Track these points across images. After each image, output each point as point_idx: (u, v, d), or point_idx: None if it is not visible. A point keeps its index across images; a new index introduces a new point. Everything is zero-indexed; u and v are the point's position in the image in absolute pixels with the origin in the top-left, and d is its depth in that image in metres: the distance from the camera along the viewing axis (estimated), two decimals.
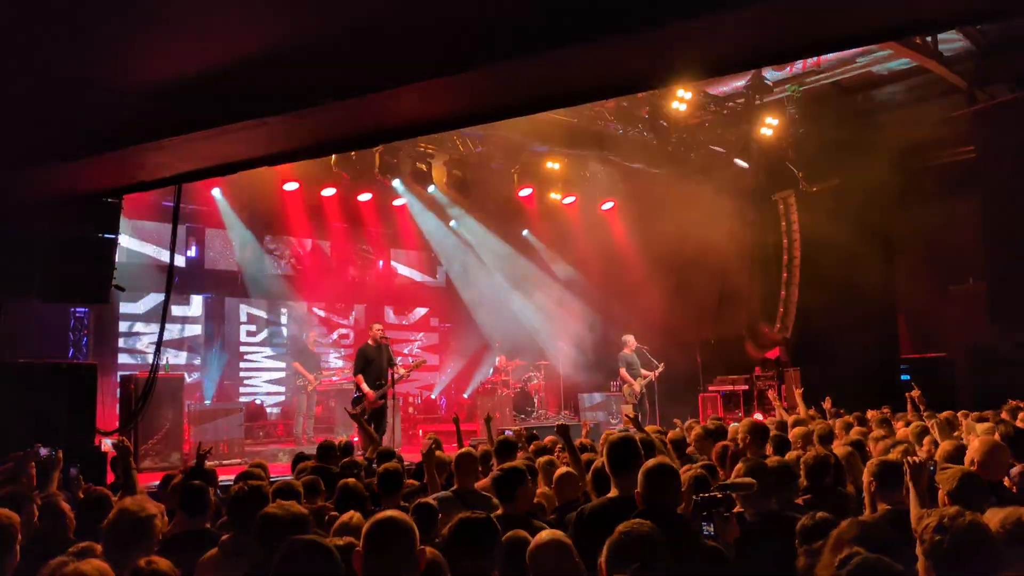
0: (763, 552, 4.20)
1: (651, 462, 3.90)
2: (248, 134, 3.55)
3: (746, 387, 15.57)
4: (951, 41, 12.87)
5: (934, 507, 3.85)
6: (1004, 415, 8.77)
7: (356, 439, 11.27)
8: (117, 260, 8.64)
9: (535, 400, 16.08)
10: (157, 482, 7.47)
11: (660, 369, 14.41)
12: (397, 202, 16.33)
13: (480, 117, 3.66)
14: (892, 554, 2.57)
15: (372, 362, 11.87)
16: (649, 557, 2.92)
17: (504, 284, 17.80)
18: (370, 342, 12.11)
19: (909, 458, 4.19)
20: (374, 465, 6.96)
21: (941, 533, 2.59)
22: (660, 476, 3.81)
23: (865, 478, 4.65)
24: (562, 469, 5.65)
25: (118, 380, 12.06)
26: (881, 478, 4.48)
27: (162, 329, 7.13)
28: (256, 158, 4.20)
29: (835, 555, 2.93)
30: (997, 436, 5.31)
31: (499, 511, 4.62)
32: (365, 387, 11.67)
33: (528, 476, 4.85)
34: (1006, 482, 4.83)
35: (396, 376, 11.78)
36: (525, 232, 18.09)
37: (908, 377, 14.80)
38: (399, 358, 13.66)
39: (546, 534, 3.33)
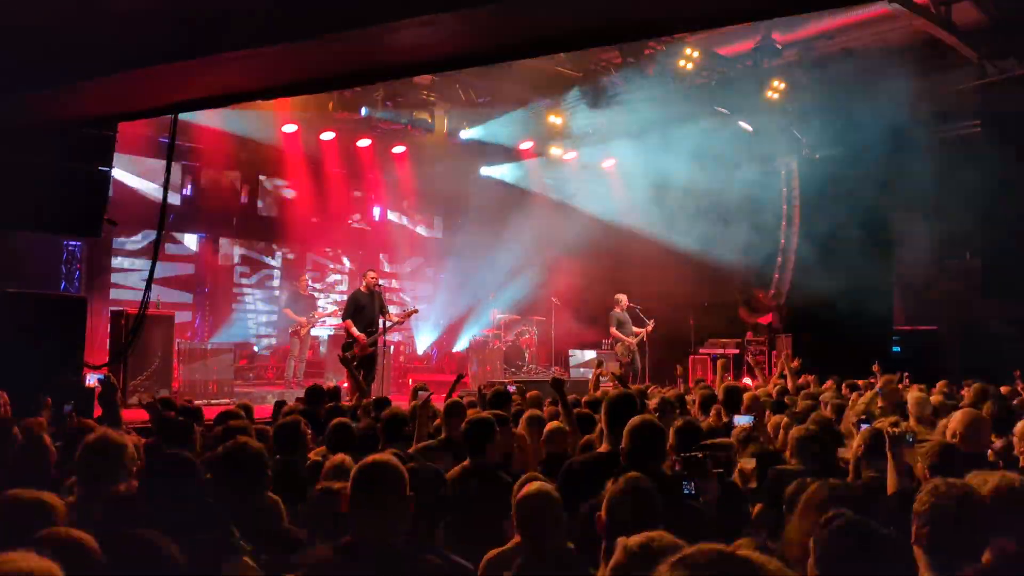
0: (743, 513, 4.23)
1: (636, 419, 3.89)
2: (242, 64, 3.46)
3: (737, 351, 15.61)
4: (964, 12, 12.66)
5: (910, 478, 3.86)
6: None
7: (346, 385, 11.29)
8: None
9: (526, 355, 16.12)
10: (143, 419, 7.48)
11: (651, 326, 14.42)
12: (396, 149, 16.20)
13: (482, 57, 3.57)
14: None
15: (364, 309, 11.83)
16: (648, 515, 2.93)
17: (501, 237, 17.73)
18: (363, 288, 12.06)
19: (889, 428, 4.18)
20: (358, 412, 6.98)
21: (938, 499, 2.60)
22: (644, 433, 3.79)
23: (855, 443, 4.66)
24: (552, 423, 5.65)
25: (109, 315, 12.03)
26: (871, 445, 4.48)
27: (153, 265, 7.07)
28: (251, 90, 4.10)
29: (804, 518, 2.93)
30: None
31: (466, 463, 4.62)
32: (355, 331, 11.63)
33: (497, 428, 4.84)
34: (989, 455, 4.84)
35: (387, 324, 11.75)
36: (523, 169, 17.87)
37: (899, 348, 14.88)
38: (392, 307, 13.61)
39: (535, 485, 3.37)
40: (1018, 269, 13.98)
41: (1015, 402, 7.46)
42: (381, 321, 11.68)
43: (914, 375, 10.36)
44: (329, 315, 15.19)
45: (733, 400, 6.71)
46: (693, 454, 3.82)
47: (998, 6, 12.62)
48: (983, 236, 14.53)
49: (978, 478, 2.91)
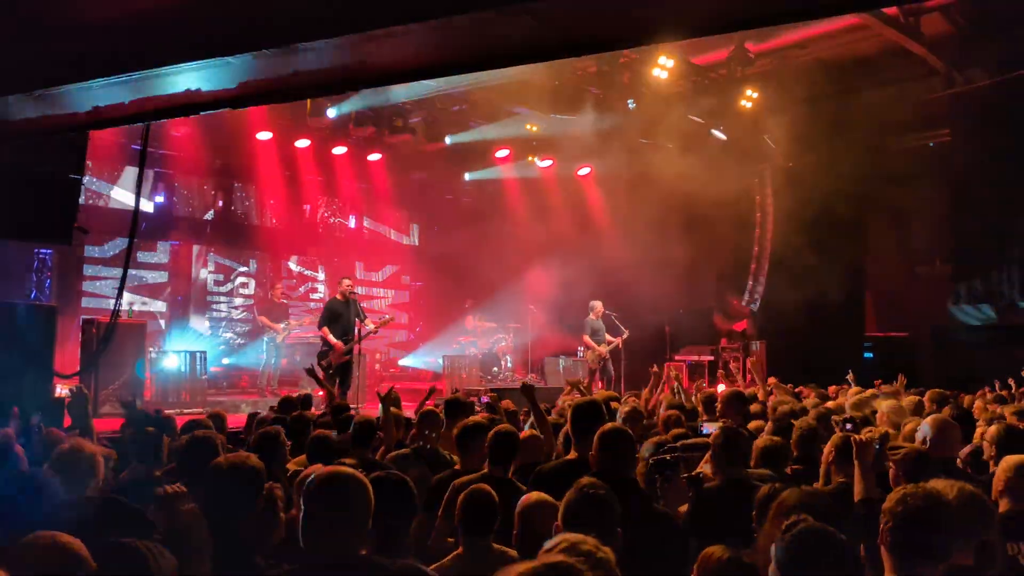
0: (719, 517, 4.24)
1: (607, 426, 3.91)
2: (210, 73, 3.44)
3: (711, 358, 15.69)
4: (933, 23, 12.84)
5: (880, 486, 3.89)
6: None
7: (321, 393, 11.23)
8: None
9: (502, 362, 16.11)
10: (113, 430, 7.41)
11: (625, 336, 14.43)
12: (372, 157, 16.17)
13: (456, 67, 3.58)
14: (831, 524, 2.60)
15: (340, 316, 11.79)
16: (604, 520, 2.94)
17: (477, 244, 17.71)
18: (338, 296, 12.03)
19: (855, 435, 4.22)
20: (325, 419, 6.94)
21: (904, 501, 2.64)
22: (614, 440, 3.81)
23: (826, 449, 4.69)
24: (527, 431, 5.66)
25: (80, 324, 11.90)
26: (841, 451, 4.52)
27: (125, 273, 6.98)
28: (220, 99, 4.08)
29: (776, 524, 2.95)
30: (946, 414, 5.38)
31: (484, 470, 4.62)
32: (332, 339, 11.59)
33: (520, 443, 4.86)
34: (957, 462, 4.88)
35: (364, 332, 11.72)
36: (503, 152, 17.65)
37: (871, 355, 15.02)
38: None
39: (535, 495, 3.46)
40: (987, 275, 14.19)
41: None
42: (357, 329, 11.65)
43: (886, 382, 10.45)
44: (301, 323, 15.11)
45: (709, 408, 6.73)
46: (663, 457, 3.84)
47: (965, 17, 12.82)
48: (953, 243, 14.73)
49: (940, 486, 2.95)
